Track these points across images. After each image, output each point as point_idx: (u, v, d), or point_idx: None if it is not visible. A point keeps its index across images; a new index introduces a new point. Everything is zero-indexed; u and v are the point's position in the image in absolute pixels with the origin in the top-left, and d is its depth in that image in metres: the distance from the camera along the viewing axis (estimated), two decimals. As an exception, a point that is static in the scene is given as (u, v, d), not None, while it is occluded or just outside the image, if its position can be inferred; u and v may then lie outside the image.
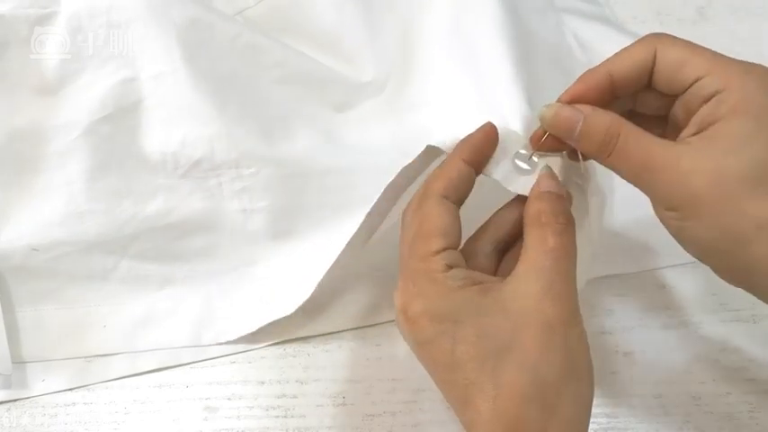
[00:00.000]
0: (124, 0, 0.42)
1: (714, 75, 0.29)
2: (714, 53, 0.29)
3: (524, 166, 0.33)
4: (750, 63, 0.29)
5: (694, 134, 0.29)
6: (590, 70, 0.32)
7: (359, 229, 0.37)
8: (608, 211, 0.43)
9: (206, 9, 0.44)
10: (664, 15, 0.55)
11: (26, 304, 0.40)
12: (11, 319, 0.40)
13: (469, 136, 0.33)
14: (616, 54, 0.31)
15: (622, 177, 0.30)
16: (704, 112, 0.29)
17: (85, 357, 0.40)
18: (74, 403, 0.39)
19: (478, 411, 0.28)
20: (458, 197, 0.32)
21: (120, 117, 0.41)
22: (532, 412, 0.28)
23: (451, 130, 0.34)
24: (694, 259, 0.43)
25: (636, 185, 0.30)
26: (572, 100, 0.31)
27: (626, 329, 0.41)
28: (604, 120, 0.30)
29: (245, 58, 0.44)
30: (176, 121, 0.41)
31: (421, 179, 0.35)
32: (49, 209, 0.40)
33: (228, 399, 0.39)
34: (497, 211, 0.34)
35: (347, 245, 0.37)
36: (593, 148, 0.30)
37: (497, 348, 0.28)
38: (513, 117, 0.35)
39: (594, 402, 0.39)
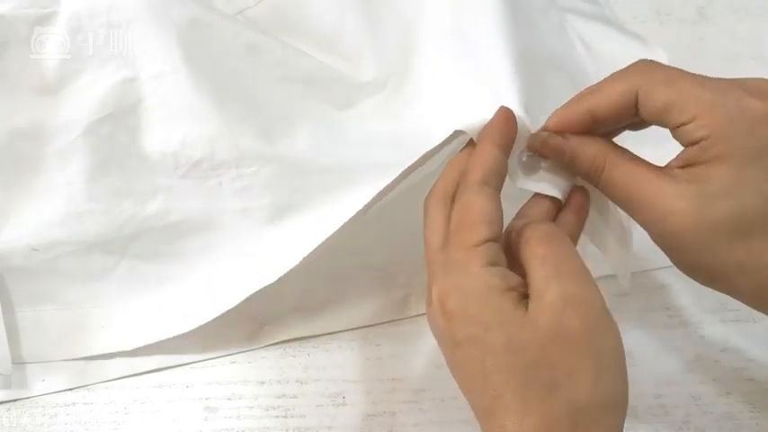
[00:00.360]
0: (124, 0, 0.42)
1: (700, 120, 0.28)
2: (701, 88, 0.29)
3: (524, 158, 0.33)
4: (741, 101, 0.28)
5: (681, 167, 0.29)
6: (569, 105, 0.32)
7: (363, 207, 0.36)
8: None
9: (206, 9, 0.44)
10: (664, 15, 0.55)
11: (26, 304, 0.40)
12: (10, 320, 0.40)
13: (492, 121, 0.32)
14: (596, 90, 0.31)
15: (612, 200, 0.32)
16: (690, 153, 0.29)
17: (85, 358, 0.40)
18: (74, 403, 0.39)
19: (503, 427, 0.28)
20: (497, 184, 0.31)
21: (121, 117, 0.41)
22: None
23: (477, 113, 0.33)
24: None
25: (624, 209, 0.31)
26: (555, 131, 0.32)
27: (626, 329, 0.41)
28: (590, 150, 0.31)
29: (246, 58, 0.44)
30: (176, 120, 0.41)
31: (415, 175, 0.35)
32: (49, 209, 0.40)
33: (228, 399, 0.39)
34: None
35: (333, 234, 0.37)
36: (582, 176, 0.32)
37: (526, 364, 0.28)
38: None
39: (594, 402, 0.39)
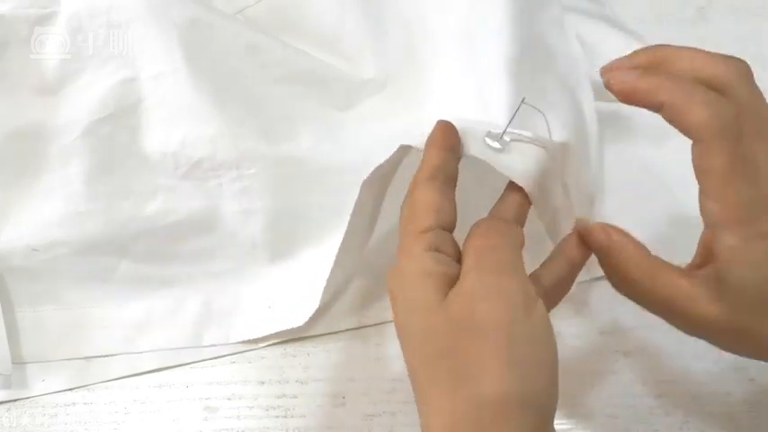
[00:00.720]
0: (124, 0, 0.42)
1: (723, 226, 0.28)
2: (726, 181, 0.28)
3: (495, 145, 0.33)
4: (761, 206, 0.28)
5: (698, 266, 0.30)
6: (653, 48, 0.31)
7: (347, 232, 0.37)
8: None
9: (206, 8, 0.44)
10: (664, 15, 0.55)
11: (26, 304, 0.40)
12: (10, 320, 0.40)
13: (433, 132, 0.33)
14: (684, 97, 0.29)
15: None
16: (707, 239, 0.30)
17: (85, 358, 0.40)
18: (74, 403, 0.39)
19: (420, 415, 0.28)
20: (444, 178, 0.32)
21: (121, 117, 0.41)
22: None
23: (422, 129, 0.34)
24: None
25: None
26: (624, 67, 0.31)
27: (626, 329, 0.41)
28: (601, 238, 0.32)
29: (246, 58, 0.44)
30: (176, 121, 0.41)
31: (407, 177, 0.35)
32: (49, 209, 0.40)
33: (228, 399, 0.39)
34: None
35: (340, 249, 0.37)
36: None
37: (436, 353, 0.27)
38: (503, 117, 0.35)
39: (594, 402, 0.39)
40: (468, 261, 0.29)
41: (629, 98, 0.30)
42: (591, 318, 0.42)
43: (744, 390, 0.39)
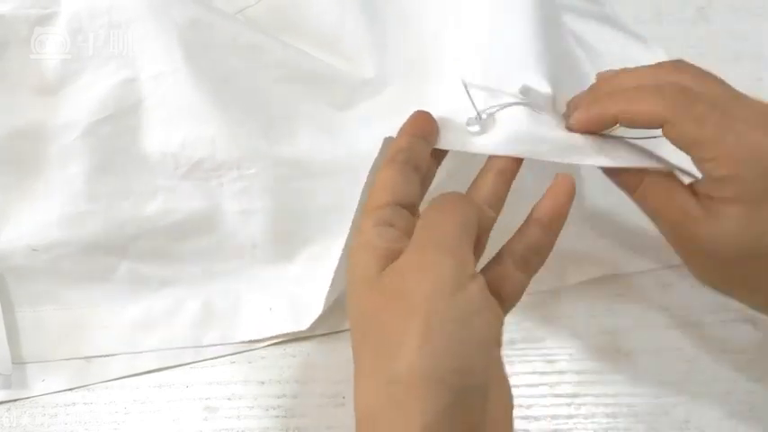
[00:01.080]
0: (125, 0, 0.42)
1: (720, 161, 0.30)
2: (727, 131, 0.30)
3: (476, 129, 0.34)
4: (762, 145, 0.30)
5: (703, 194, 0.32)
6: (592, 106, 0.33)
7: (350, 234, 0.37)
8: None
9: (206, 9, 0.44)
10: (664, 15, 0.55)
11: (26, 304, 0.40)
12: (10, 320, 0.40)
13: (406, 121, 0.34)
14: (626, 98, 0.32)
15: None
16: (708, 185, 0.31)
17: (85, 358, 0.40)
18: (74, 403, 0.39)
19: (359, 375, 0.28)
20: (406, 158, 0.32)
21: (121, 117, 0.41)
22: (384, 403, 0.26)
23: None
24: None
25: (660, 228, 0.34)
26: (580, 127, 0.34)
27: (626, 329, 0.41)
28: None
29: (246, 58, 0.44)
30: (177, 121, 0.41)
31: None
32: (49, 209, 0.40)
33: (228, 399, 0.39)
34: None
35: (344, 253, 0.37)
36: (620, 185, 0.34)
37: (365, 327, 0.28)
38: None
39: (594, 402, 0.39)
40: (413, 236, 0.29)
41: (589, 129, 0.33)
42: (591, 318, 0.42)
43: (744, 389, 0.39)
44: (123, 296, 0.41)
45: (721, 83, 0.33)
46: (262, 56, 0.44)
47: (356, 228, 0.31)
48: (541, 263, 0.32)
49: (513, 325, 0.42)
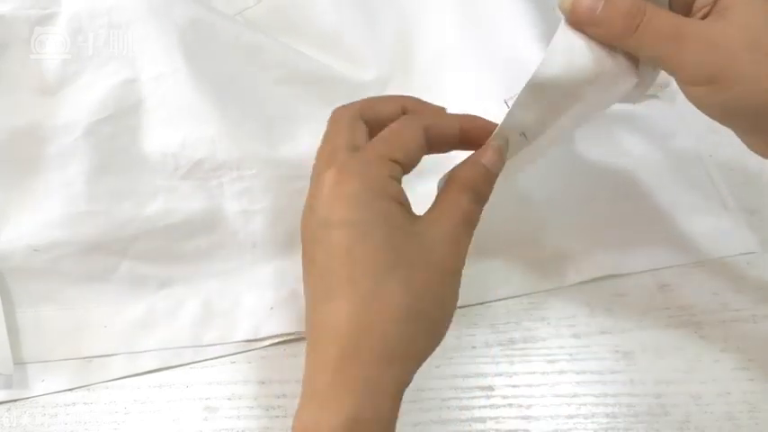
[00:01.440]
0: (125, 1, 0.42)
1: None
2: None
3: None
4: None
5: (705, 16, 0.30)
6: None
7: None
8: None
9: (207, 10, 0.44)
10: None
11: (26, 305, 0.40)
12: (11, 320, 0.40)
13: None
14: None
15: (645, 55, 0.31)
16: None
17: (85, 358, 0.40)
18: (74, 403, 0.39)
19: (339, 309, 0.29)
20: (432, 136, 0.33)
21: (121, 118, 0.41)
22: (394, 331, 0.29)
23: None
24: (694, 259, 0.43)
25: (661, 62, 0.31)
26: None
27: (626, 329, 0.41)
28: (625, 2, 0.30)
29: (246, 59, 0.44)
30: (177, 121, 0.41)
31: None
32: (50, 209, 0.40)
33: (228, 399, 0.39)
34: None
35: None
36: (616, 29, 0.30)
37: (396, 263, 0.29)
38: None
39: (594, 402, 0.39)
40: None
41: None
42: (591, 318, 0.42)
43: (744, 390, 0.39)
44: (124, 296, 0.41)
45: None
46: (262, 57, 0.44)
47: (371, 165, 0.31)
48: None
49: (513, 325, 0.42)
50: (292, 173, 0.42)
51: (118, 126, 0.41)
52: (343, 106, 0.34)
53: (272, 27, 0.47)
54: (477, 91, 0.40)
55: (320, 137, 0.43)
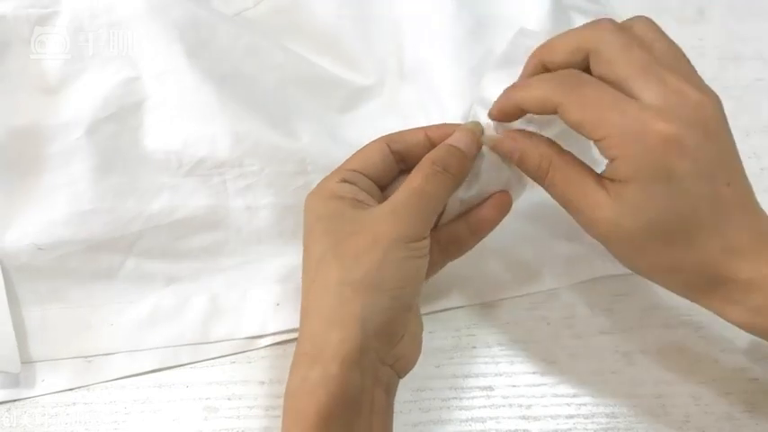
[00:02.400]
0: (125, 0, 0.42)
1: (609, 141, 0.31)
2: (611, 111, 0.31)
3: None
4: (646, 124, 0.30)
5: (608, 179, 0.32)
6: (501, 97, 0.35)
7: None
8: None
9: (207, 10, 0.44)
10: (664, 15, 0.55)
11: (32, 304, 0.40)
12: (17, 319, 0.40)
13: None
14: (524, 87, 0.34)
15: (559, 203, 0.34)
16: (609, 168, 0.32)
17: (86, 357, 0.40)
18: (74, 403, 0.39)
19: (303, 290, 0.34)
20: (399, 148, 0.36)
21: (123, 116, 0.41)
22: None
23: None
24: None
25: (566, 209, 0.34)
26: (495, 115, 0.35)
27: (626, 329, 0.41)
28: (535, 154, 0.34)
29: (246, 59, 0.44)
30: (178, 119, 0.41)
31: None
32: (54, 208, 0.40)
33: (228, 399, 0.39)
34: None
35: None
36: (529, 175, 0.35)
37: (332, 244, 0.33)
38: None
39: (594, 402, 0.39)
40: (397, 194, 0.35)
41: (503, 117, 0.35)
42: (591, 318, 0.42)
43: (744, 390, 0.39)
44: (130, 294, 0.41)
45: (639, 45, 0.31)
46: (261, 58, 0.44)
47: (328, 176, 0.36)
48: (459, 255, 0.38)
49: (513, 325, 0.42)
50: (294, 169, 0.41)
51: (120, 125, 0.41)
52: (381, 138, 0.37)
53: (271, 28, 0.47)
54: (474, 96, 0.40)
55: (320, 135, 0.43)
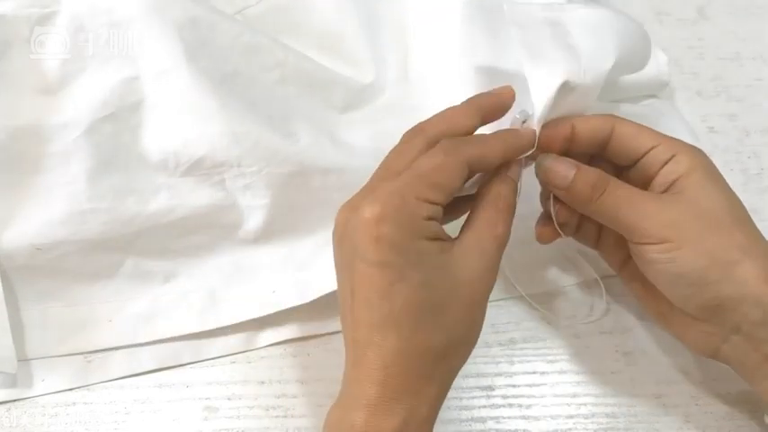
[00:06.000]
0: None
1: (665, 144, 0.35)
2: (656, 130, 0.36)
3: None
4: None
5: (663, 192, 0.35)
6: (555, 120, 0.36)
7: None
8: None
9: (207, 9, 0.44)
10: (664, 15, 0.55)
11: (31, 303, 0.40)
12: (15, 318, 0.40)
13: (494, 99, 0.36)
14: (579, 115, 0.37)
15: (603, 219, 0.35)
16: (666, 171, 0.35)
17: (86, 355, 0.40)
18: (74, 403, 0.39)
19: (385, 340, 0.30)
20: (475, 168, 0.33)
21: (122, 116, 0.41)
22: (422, 369, 0.31)
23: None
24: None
25: (618, 223, 0.35)
26: (540, 143, 0.36)
27: (626, 329, 0.41)
28: (592, 175, 0.35)
29: (247, 58, 0.44)
30: (177, 119, 0.41)
31: None
32: (52, 208, 0.40)
33: (228, 399, 0.39)
34: None
35: None
36: (582, 197, 0.35)
37: (432, 303, 0.31)
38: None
39: (594, 402, 0.39)
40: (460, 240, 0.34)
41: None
42: (591, 318, 0.42)
43: (744, 390, 0.39)
44: (128, 292, 0.41)
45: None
46: (262, 56, 0.44)
47: (408, 208, 0.31)
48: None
49: (513, 325, 0.42)
50: (293, 170, 0.41)
51: (119, 124, 0.41)
52: (422, 125, 0.35)
53: (272, 27, 0.47)
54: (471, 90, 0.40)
55: (319, 137, 0.43)
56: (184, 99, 0.41)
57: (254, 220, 0.42)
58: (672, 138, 0.36)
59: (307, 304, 0.41)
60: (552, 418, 0.39)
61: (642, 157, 0.36)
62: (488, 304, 0.42)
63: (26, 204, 0.40)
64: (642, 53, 0.42)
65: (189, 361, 0.40)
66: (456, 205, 0.35)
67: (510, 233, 0.34)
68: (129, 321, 0.41)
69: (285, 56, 0.45)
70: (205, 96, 0.41)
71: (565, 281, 0.43)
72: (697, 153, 0.35)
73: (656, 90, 0.49)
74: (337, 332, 0.41)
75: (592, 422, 0.39)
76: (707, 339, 0.35)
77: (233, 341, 0.41)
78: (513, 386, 0.40)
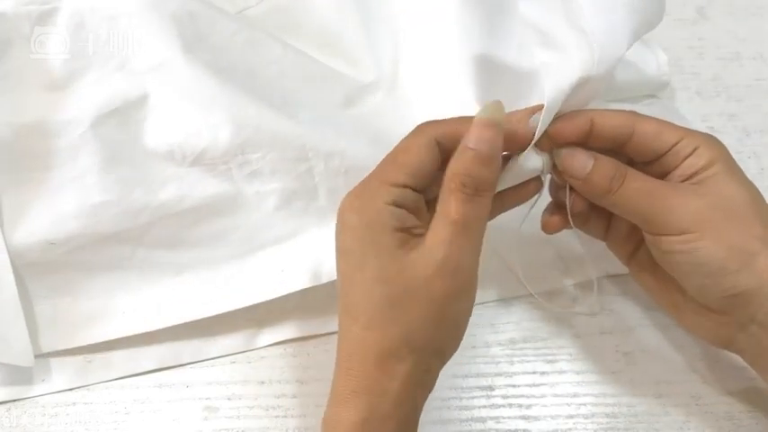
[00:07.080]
0: None
1: (688, 138, 0.34)
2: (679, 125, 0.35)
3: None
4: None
5: (681, 182, 0.34)
6: (575, 111, 0.35)
7: None
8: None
9: (206, 6, 0.44)
10: (664, 15, 0.55)
11: (44, 297, 0.40)
12: (29, 314, 0.40)
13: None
14: (597, 109, 0.35)
15: (621, 210, 0.35)
16: (687, 164, 0.34)
17: (86, 355, 0.40)
18: (74, 403, 0.39)
19: (347, 330, 0.32)
20: (449, 148, 0.32)
21: (127, 111, 0.42)
22: (382, 369, 0.31)
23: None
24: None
25: (639, 217, 0.34)
26: (556, 135, 0.34)
27: (626, 329, 0.41)
28: (610, 166, 0.34)
29: (246, 53, 0.44)
30: (179, 112, 0.41)
31: None
32: (63, 203, 0.40)
33: (228, 399, 0.39)
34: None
35: None
36: (600, 188, 0.34)
37: (390, 298, 0.31)
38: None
39: (594, 402, 0.39)
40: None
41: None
42: (591, 318, 0.42)
43: (744, 390, 0.39)
44: (141, 283, 0.41)
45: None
46: (261, 52, 0.44)
47: (370, 193, 0.32)
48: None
49: (513, 325, 0.42)
50: (296, 155, 0.41)
51: (124, 119, 0.41)
52: (425, 124, 0.34)
53: (273, 27, 0.47)
54: (476, 95, 0.40)
55: (319, 121, 0.43)
56: (184, 91, 0.41)
57: (265, 206, 0.42)
58: (693, 130, 0.35)
59: (307, 304, 0.41)
60: (552, 418, 0.39)
61: (664, 154, 0.35)
62: (488, 304, 0.42)
63: (38, 200, 0.40)
64: (653, 19, 0.40)
65: (189, 361, 0.40)
66: (504, 197, 0.36)
67: (478, 211, 0.32)
68: (142, 312, 0.41)
69: (284, 52, 0.45)
70: (205, 88, 0.41)
71: (565, 280, 0.43)
72: (718, 145, 0.35)
73: (656, 90, 0.49)
74: (337, 332, 0.41)
75: (592, 422, 0.39)
76: (721, 330, 0.35)
77: (233, 341, 0.41)
78: (513, 386, 0.40)
